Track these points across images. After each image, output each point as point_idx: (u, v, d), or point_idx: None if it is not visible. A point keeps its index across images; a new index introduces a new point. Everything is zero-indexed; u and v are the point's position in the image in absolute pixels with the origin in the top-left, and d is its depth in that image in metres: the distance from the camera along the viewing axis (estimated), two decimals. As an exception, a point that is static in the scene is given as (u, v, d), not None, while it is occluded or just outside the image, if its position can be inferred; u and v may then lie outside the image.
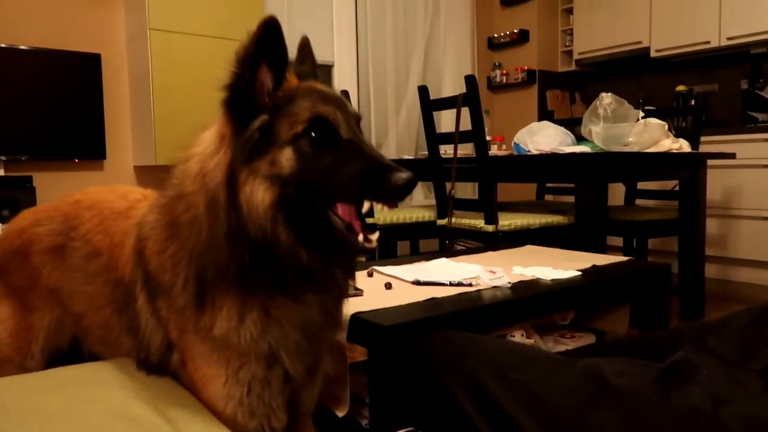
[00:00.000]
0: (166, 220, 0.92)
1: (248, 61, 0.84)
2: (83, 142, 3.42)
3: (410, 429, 0.98)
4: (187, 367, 0.91)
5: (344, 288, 0.97)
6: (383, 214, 3.07)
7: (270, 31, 0.84)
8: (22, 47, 3.21)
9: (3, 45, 3.15)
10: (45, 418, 0.74)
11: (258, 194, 0.82)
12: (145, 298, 0.94)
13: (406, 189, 0.81)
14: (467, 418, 0.80)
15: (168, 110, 3.39)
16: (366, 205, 0.86)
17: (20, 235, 1.17)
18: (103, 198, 1.16)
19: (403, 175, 0.80)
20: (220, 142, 0.87)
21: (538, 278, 1.50)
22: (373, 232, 0.87)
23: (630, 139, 2.73)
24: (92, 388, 0.84)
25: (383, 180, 0.80)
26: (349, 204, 0.86)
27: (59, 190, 3.38)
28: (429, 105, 2.90)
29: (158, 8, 3.32)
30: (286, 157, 0.84)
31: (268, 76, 0.86)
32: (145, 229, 0.95)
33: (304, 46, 1.02)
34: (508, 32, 5.40)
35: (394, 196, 0.82)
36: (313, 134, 0.84)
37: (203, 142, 0.90)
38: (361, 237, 0.85)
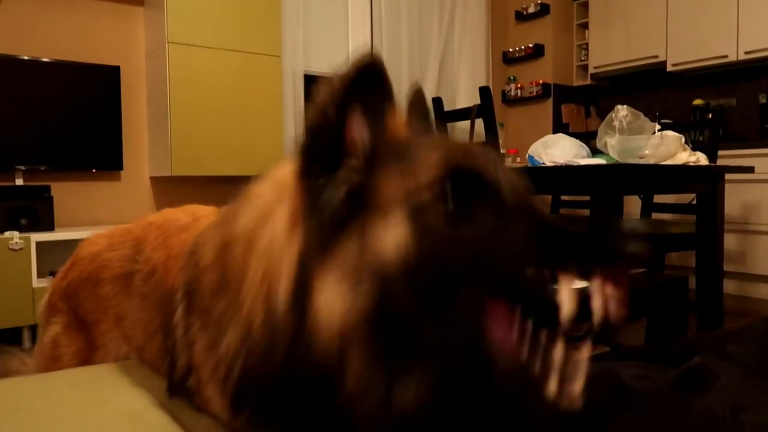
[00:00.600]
0: (219, 231, 0.69)
1: (336, 103, 0.54)
2: (101, 153, 3.48)
3: None
4: (203, 396, 0.74)
5: None
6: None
7: (373, 70, 0.56)
8: (44, 59, 3.28)
9: (25, 57, 3.22)
10: (56, 418, 0.75)
11: (333, 301, 0.50)
12: (183, 310, 0.76)
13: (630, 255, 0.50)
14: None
15: (184, 122, 3.43)
16: (567, 301, 0.49)
17: (93, 260, 1.06)
18: (172, 217, 1.01)
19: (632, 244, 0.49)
20: (290, 219, 0.56)
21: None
22: (575, 372, 0.49)
23: (646, 152, 2.70)
24: (105, 389, 0.84)
25: (603, 241, 0.50)
26: (522, 312, 0.49)
27: (76, 200, 3.44)
28: (443, 116, 2.90)
29: (177, 22, 3.38)
30: (393, 231, 0.51)
31: (363, 128, 0.56)
32: (205, 237, 0.74)
33: (418, 98, 0.76)
34: (522, 46, 5.41)
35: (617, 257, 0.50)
36: (449, 199, 0.52)
37: (257, 202, 0.62)
38: (553, 384, 0.48)
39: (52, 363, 1.06)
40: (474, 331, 0.48)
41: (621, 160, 2.63)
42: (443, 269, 0.49)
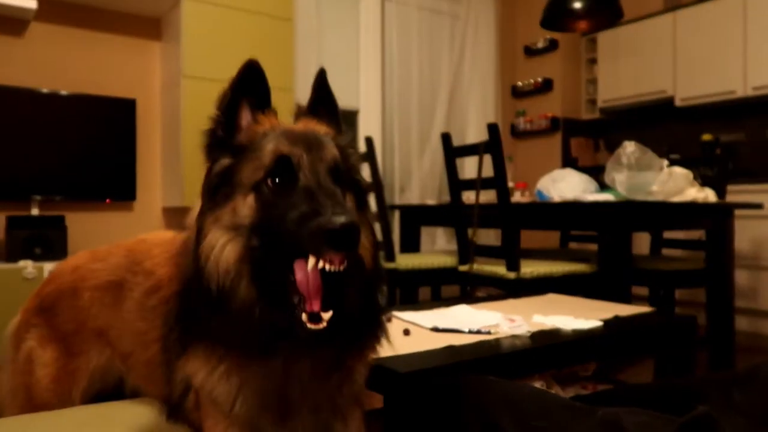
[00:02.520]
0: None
1: (226, 104, 0.83)
2: (115, 184, 3.53)
3: None
4: (199, 413, 0.87)
5: (328, 356, 0.84)
6: (404, 259, 3.08)
7: (250, 73, 0.84)
8: (63, 93, 3.37)
9: (45, 90, 3.31)
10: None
11: (219, 245, 0.78)
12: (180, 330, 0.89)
13: (337, 237, 0.69)
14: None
15: (198, 154, 3.46)
16: (310, 261, 0.72)
17: (74, 271, 1.12)
18: (172, 237, 1.13)
19: (338, 218, 0.69)
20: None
21: (559, 328, 1.48)
22: (327, 309, 0.74)
23: (654, 188, 2.72)
24: (111, 428, 0.85)
25: (313, 227, 0.70)
26: (305, 260, 0.74)
27: (90, 230, 3.49)
28: (452, 152, 2.93)
29: (192, 56, 3.46)
30: (248, 205, 0.79)
31: (251, 121, 0.86)
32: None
33: (320, 81, 0.96)
34: (531, 80, 5.47)
35: (324, 244, 0.69)
36: (276, 179, 0.79)
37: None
38: (304, 315, 0.73)
39: (27, 377, 1.07)
40: (287, 269, 0.75)
41: (629, 196, 2.64)
42: (270, 228, 0.76)
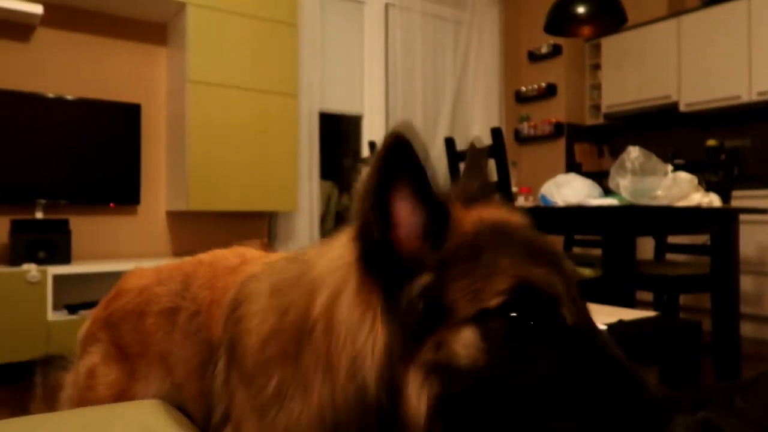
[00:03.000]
0: (277, 305, 0.72)
1: (374, 193, 0.57)
2: (119, 188, 3.55)
3: None
4: None
5: None
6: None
7: (402, 149, 0.58)
8: (69, 98, 3.39)
9: (50, 95, 3.33)
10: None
11: (416, 394, 0.56)
12: (225, 362, 0.79)
13: None
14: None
15: (202, 159, 3.50)
16: None
17: (140, 293, 1.05)
18: (221, 256, 1.01)
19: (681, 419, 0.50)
20: (367, 310, 0.59)
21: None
22: None
23: (658, 193, 2.71)
24: (115, 429, 0.85)
25: (646, 421, 0.50)
26: None
27: (94, 234, 3.50)
28: (455, 156, 2.93)
29: (198, 61, 3.48)
30: (464, 341, 0.56)
31: (411, 211, 0.59)
32: (248, 288, 0.78)
33: (476, 152, 0.77)
34: (535, 86, 5.47)
35: None
36: (515, 314, 0.55)
37: (328, 283, 0.65)
38: None
39: (87, 392, 1.05)
40: None
41: (633, 201, 2.64)
42: (501, 379, 0.54)
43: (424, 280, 0.58)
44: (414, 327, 0.56)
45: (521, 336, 0.55)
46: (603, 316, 1.65)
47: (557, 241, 4.07)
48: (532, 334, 0.55)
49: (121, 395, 1.02)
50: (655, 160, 2.83)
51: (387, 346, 0.57)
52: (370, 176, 0.57)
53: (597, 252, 3.47)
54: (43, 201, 3.31)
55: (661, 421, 0.49)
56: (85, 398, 1.04)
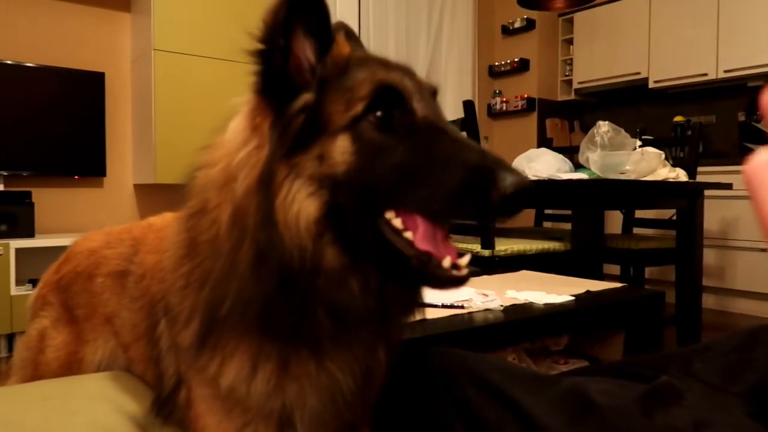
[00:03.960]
0: (184, 236, 0.74)
1: (281, 26, 0.64)
2: (84, 159, 3.45)
3: None
4: (191, 411, 0.77)
5: (398, 336, 0.77)
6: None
7: None
8: (29, 64, 3.26)
9: (9, 62, 3.20)
10: (22, 429, 0.74)
11: (300, 201, 0.61)
12: (166, 323, 0.80)
13: (518, 198, 0.56)
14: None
15: (169, 130, 3.42)
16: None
17: (90, 255, 1.05)
18: (172, 220, 1.00)
19: (515, 178, 0.56)
20: (252, 133, 0.66)
21: (531, 302, 1.49)
22: (462, 255, 0.63)
23: (627, 167, 2.74)
24: (75, 401, 0.83)
25: (487, 185, 0.56)
26: (432, 219, 0.62)
27: (58, 206, 3.41)
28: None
29: (163, 29, 3.38)
30: (341, 149, 0.62)
31: (307, 45, 0.66)
32: (167, 242, 0.80)
33: (347, 27, 0.85)
34: (508, 61, 5.47)
35: (504, 210, 0.57)
36: (378, 113, 0.62)
37: (229, 140, 0.69)
38: (447, 261, 0.61)
39: (38, 355, 1.05)
40: (387, 225, 0.62)
41: (602, 175, 2.67)
42: (376, 179, 0.61)
43: (305, 98, 0.64)
44: (296, 140, 0.62)
45: (382, 131, 0.62)
46: (571, 287, 1.68)
47: (528, 215, 4.12)
48: (390, 129, 0.62)
49: (70, 357, 1.02)
50: (623, 135, 2.86)
51: (267, 158, 0.63)
52: (276, 11, 0.63)
53: (567, 227, 3.53)
54: (4, 172, 3.19)
55: (489, 187, 0.56)
56: (36, 361, 1.04)
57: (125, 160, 3.71)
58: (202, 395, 0.73)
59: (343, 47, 0.68)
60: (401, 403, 1.01)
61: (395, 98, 0.63)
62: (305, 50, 0.66)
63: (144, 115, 3.52)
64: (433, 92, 0.70)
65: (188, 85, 3.48)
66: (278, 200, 0.61)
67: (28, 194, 3.18)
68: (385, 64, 0.67)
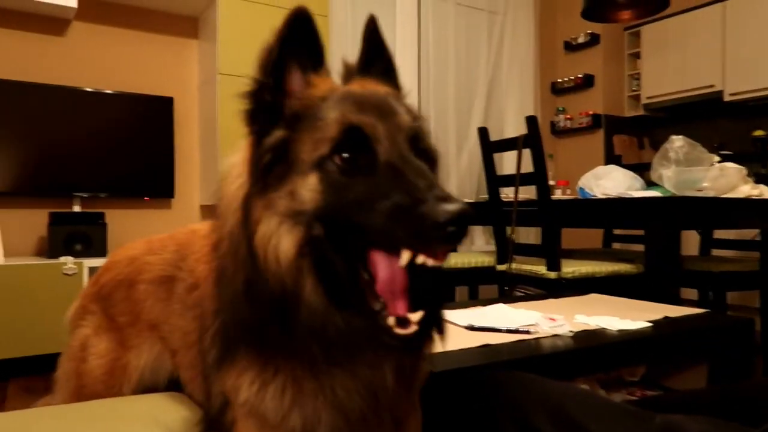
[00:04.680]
0: (214, 264, 0.78)
1: (272, 62, 0.69)
2: (153, 181, 3.57)
3: None
4: (235, 429, 0.77)
5: (413, 360, 0.76)
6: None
7: (299, 23, 0.69)
8: (107, 91, 3.42)
9: (89, 89, 3.37)
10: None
11: (276, 238, 0.65)
12: (210, 336, 0.81)
13: (451, 228, 0.56)
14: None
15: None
16: (404, 257, 0.60)
17: (130, 263, 1.07)
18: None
19: (448, 206, 0.56)
20: (242, 168, 0.71)
21: (604, 328, 1.39)
22: (415, 309, 0.63)
23: (705, 184, 2.58)
24: (123, 423, 0.82)
25: (417, 215, 0.57)
26: (389, 254, 0.63)
27: (129, 227, 3.53)
28: (489, 146, 2.85)
29: (228, 53, 3.47)
30: (309, 187, 0.65)
31: (302, 83, 0.71)
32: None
33: (371, 33, 0.82)
34: (572, 77, 5.32)
35: (432, 238, 0.57)
36: (344, 155, 0.65)
37: (228, 172, 0.75)
38: (391, 319, 0.62)
39: (80, 365, 1.05)
40: (360, 263, 0.65)
41: (678, 193, 2.51)
42: (341, 214, 0.63)
43: (276, 134, 0.68)
44: (268, 176, 0.66)
45: (346, 172, 0.65)
46: (647, 312, 1.56)
47: (595, 236, 3.95)
48: (354, 170, 0.65)
49: (113, 363, 1.01)
50: (700, 150, 2.70)
51: (246, 193, 0.68)
52: (270, 49, 0.69)
53: (637, 248, 3.35)
54: (80, 194, 3.35)
55: (436, 233, 0.56)
56: (79, 371, 1.04)
57: (192, 182, 3.81)
58: (240, 415, 0.74)
59: (320, 84, 0.71)
60: (459, 428, 0.94)
61: (361, 141, 0.66)
62: (300, 85, 0.71)
63: (210, 137, 3.61)
64: (412, 135, 0.69)
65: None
66: (257, 237, 0.66)
67: (102, 215, 3.31)
68: (360, 104, 0.68)
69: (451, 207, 0.56)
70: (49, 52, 3.40)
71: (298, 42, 0.70)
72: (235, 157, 0.75)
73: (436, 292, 0.69)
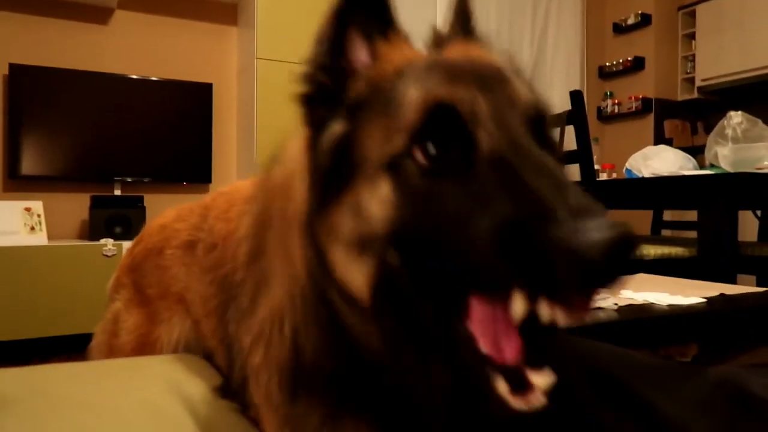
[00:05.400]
0: (258, 208, 0.64)
1: (331, 37, 0.53)
2: (192, 166, 3.60)
3: None
4: (259, 411, 0.66)
5: None
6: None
7: None
8: (153, 78, 3.46)
9: (134, 76, 3.42)
10: (74, 404, 0.69)
11: (346, 272, 0.48)
12: (235, 307, 0.71)
13: (605, 263, 0.36)
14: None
15: (271, 137, 3.48)
16: (517, 307, 0.41)
17: (161, 231, 1.00)
18: (241, 185, 0.90)
19: (599, 229, 0.36)
20: (300, 163, 0.54)
21: (652, 303, 1.28)
22: (540, 366, 0.43)
23: (765, 163, 2.40)
24: (133, 380, 0.78)
25: (544, 241, 0.37)
26: (492, 297, 0.43)
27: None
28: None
29: (266, 38, 3.46)
30: (379, 198, 0.46)
31: (368, 56, 0.53)
32: (237, 209, 0.73)
33: (462, 4, 0.65)
34: (621, 60, 5.11)
35: (571, 281, 0.36)
36: (429, 149, 0.46)
37: (288, 160, 0.58)
38: (503, 385, 0.42)
39: (111, 338, 1.02)
40: (454, 310, 0.44)
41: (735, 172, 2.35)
42: (420, 233, 0.44)
43: (335, 128, 0.49)
44: (328, 185, 0.48)
45: (431, 174, 0.45)
46: (701, 290, 1.44)
47: (643, 220, 3.76)
48: (444, 169, 0.45)
49: (142, 339, 0.97)
50: (761, 126, 2.52)
51: (306, 211, 0.49)
52: (328, 23, 0.52)
53: (689, 235, 3.16)
54: (121, 179, 3.40)
55: (577, 273, 0.35)
56: (110, 345, 1.02)
57: (229, 167, 3.83)
58: (269, 420, 0.61)
59: (391, 55, 0.52)
60: None
61: (453, 125, 0.46)
62: (365, 59, 0.53)
63: (248, 123, 3.61)
64: (533, 116, 0.49)
65: (290, 93, 3.53)
66: (335, 269, 0.49)
67: (141, 199, 3.35)
68: (453, 74, 0.49)
69: (605, 230, 0.36)
70: (93, 40, 3.46)
71: (360, 5, 0.53)
72: (292, 143, 0.59)
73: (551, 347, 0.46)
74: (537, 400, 0.41)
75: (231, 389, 0.73)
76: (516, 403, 0.42)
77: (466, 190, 0.43)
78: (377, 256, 0.46)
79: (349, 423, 0.52)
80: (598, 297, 0.40)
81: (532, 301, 0.39)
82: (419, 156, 0.46)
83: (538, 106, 0.49)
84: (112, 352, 1.02)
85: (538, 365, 0.42)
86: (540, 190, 0.39)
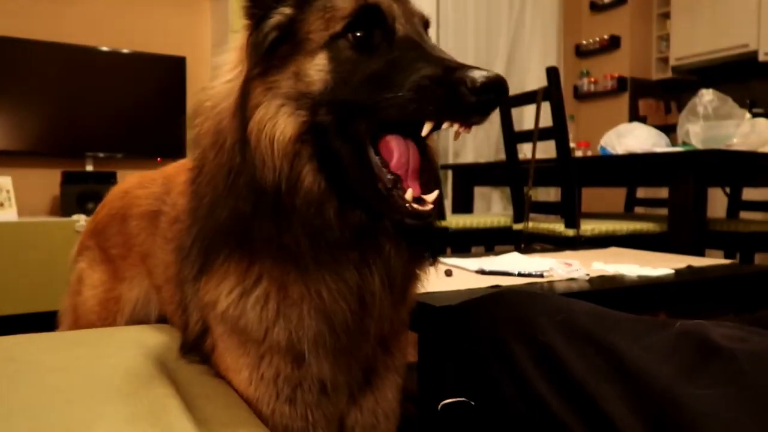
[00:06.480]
0: (191, 175, 0.73)
1: None
2: (165, 141, 3.54)
3: (461, 399, 0.82)
4: (215, 354, 0.73)
5: (399, 266, 0.68)
6: (456, 219, 2.92)
7: None
8: (123, 51, 3.38)
9: (104, 48, 3.33)
10: (47, 368, 0.69)
11: (275, 121, 0.61)
12: (183, 265, 0.77)
13: (488, 94, 0.55)
14: (528, 384, 0.65)
15: (246, 111, 3.44)
16: (426, 128, 0.59)
17: (123, 196, 1.06)
18: None
19: (484, 72, 0.54)
20: (238, 54, 0.67)
21: (623, 274, 1.31)
22: (430, 190, 0.62)
23: (734, 140, 2.45)
24: (106, 347, 0.78)
25: (450, 82, 0.55)
26: (403, 136, 0.61)
27: (141, 187, 3.51)
28: (506, 102, 2.74)
29: (240, 10, 3.39)
30: (318, 67, 0.61)
31: None
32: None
33: None
34: (597, 38, 5.13)
35: (468, 104, 0.55)
36: (358, 33, 0.62)
37: (220, 72, 0.70)
38: (410, 193, 0.60)
39: (76, 297, 1.05)
40: (370, 147, 0.62)
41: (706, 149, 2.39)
42: (352, 94, 0.60)
43: (283, 12, 0.64)
44: (270, 57, 0.62)
45: (360, 50, 0.62)
46: (669, 262, 1.47)
47: (617, 198, 3.82)
48: (368, 47, 0.62)
49: (107, 294, 1.01)
50: (731, 104, 2.57)
51: (245, 77, 0.63)
52: None
53: (661, 212, 3.23)
54: (92, 154, 3.33)
55: (458, 81, 0.55)
56: (74, 303, 1.04)
57: (205, 143, 3.77)
58: (219, 335, 0.70)
59: None
60: (461, 353, 0.88)
61: (377, 19, 0.63)
62: None
63: (222, 97, 3.56)
64: (424, 21, 0.69)
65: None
66: (253, 121, 0.61)
67: (114, 174, 3.29)
68: None
69: (487, 73, 0.55)
70: (61, 10, 3.35)
71: None
72: (226, 54, 0.71)
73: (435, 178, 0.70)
74: (429, 207, 0.61)
75: (189, 344, 0.77)
76: (416, 208, 0.60)
77: (386, 59, 0.61)
78: (308, 111, 0.61)
79: (264, 271, 0.64)
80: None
81: (438, 125, 0.58)
82: (350, 37, 0.62)
83: (425, 18, 0.69)
84: (76, 310, 1.05)
85: (429, 189, 0.62)
86: (441, 57, 0.59)
